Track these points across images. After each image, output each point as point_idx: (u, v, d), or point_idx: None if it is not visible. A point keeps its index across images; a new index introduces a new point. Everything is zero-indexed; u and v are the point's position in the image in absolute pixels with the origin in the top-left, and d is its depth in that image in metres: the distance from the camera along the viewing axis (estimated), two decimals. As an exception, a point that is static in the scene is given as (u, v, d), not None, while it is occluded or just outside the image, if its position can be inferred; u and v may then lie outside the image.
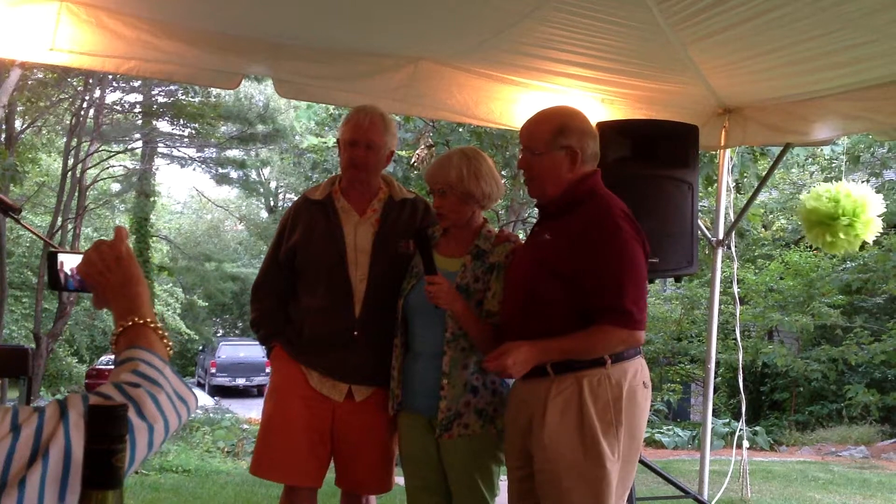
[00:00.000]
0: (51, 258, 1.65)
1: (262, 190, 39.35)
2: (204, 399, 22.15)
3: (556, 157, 2.93)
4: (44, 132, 19.72)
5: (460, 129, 12.26)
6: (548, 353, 2.85)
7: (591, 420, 2.80)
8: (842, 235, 4.98)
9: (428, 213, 3.50)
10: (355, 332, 3.30)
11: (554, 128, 2.95)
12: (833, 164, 16.07)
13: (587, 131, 2.97)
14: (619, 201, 2.94)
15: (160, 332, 1.42)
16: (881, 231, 5.23)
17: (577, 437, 2.81)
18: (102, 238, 1.55)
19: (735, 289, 6.06)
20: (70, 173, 18.47)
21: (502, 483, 3.24)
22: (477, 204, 3.21)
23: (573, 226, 2.89)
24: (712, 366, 5.47)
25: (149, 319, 1.42)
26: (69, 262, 1.63)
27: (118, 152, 23.13)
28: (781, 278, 16.13)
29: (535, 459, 2.91)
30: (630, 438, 2.88)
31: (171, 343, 1.43)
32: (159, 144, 25.91)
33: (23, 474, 1.11)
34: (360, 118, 3.37)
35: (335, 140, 4.08)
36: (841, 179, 5.22)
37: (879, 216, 5.10)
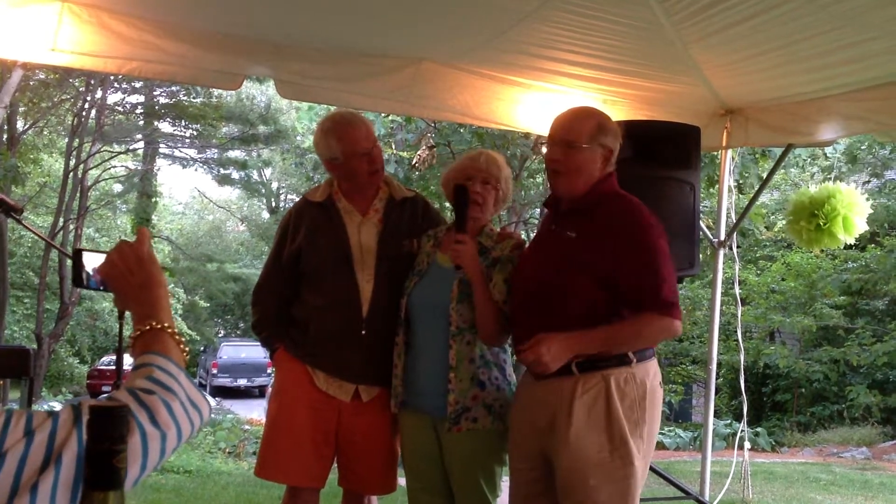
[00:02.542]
0: (76, 256, 1.66)
1: (263, 191, 39.40)
2: (205, 399, 22.17)
3: (595, 153, 2.95)
4: (45, 133, 19.77)
5: (462, 130, 12.26)
6: (585, 345, 2.82)
7: (618, 418, 2.80)
8: (814, 225, 5.03)
9: (428, 210, 3.52)
10: (363, 332, 3.29)
11: (596, 124, 2.98)
12: (834, 165, 16.09)
13: (619, 134, 3.01)
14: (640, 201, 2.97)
15: (177, 337, 1.42)
16: (881, 232, 5.27)
17: (605, 435, 2.80)
18: (125, 239, 1.55)
19: (737, 290, 6.06)
20: (72, 174, 18.52)
21: (504, 484, 3.23)
22: (497, 207, 3.29)
23: (601, 224, 2.89)
24: (714, 367, 5.46)
25: (167, 324, 1.42)
26: (91, 260, 1.64)
27: (120, 153, 23.17)
28: (783, 279, 16.16)
29: (560, 458, 2.87)
30: (650, 437, 2.89)
31: (187, 349, 1.44)
32: (161, 145, 25.97)
33: (35, 479, 1.11)
34: (346, 130, 3.33)
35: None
36: (841, 180, 5.26)
37: (869, 215, 5.11)
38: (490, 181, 3.20)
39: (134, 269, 1.48)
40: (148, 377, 1.29)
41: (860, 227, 5.10)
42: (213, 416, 15.31)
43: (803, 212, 5.11)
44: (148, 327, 1.41)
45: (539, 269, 3.03)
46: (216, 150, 27.60)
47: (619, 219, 2.89)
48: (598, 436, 2.81)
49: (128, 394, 1.25)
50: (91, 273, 1.64)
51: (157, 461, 1.23)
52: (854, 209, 5.03)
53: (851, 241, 5.19)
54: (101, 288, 1.56)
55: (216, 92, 21.01)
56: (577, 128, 2.98)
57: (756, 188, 7.86)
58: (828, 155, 15.91)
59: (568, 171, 2.99)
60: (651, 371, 2.91)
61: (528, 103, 4.75)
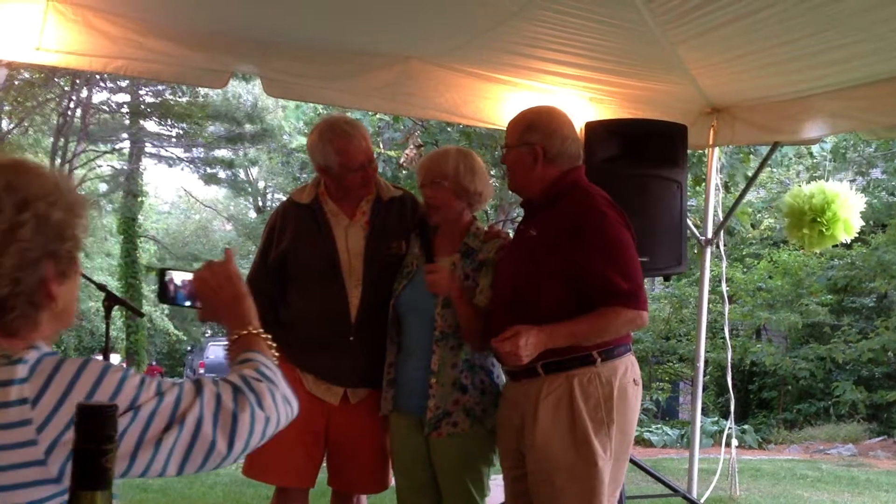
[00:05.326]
0: (161, 274, 1.83)
1: (250, 190, 39.22)
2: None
3: (519, 152, 3.01)
4: (31, 132, 19.65)
5: (449, 129, 12.25)
6: (555, 338, 2.80)
7: (582, 419, 2.81)
8: (817, 231, 5.05)
9: (417, 208, 3.47)
10: (351, 339, 3.26)
11: (522, 125, 3.04)
12: (820, 164, 16.16)
13: (554, 131, 2.99)
14: (602, 191, 2.96)
15: (268, 341, 1.62)
16: (866, 230, 5.31)
17: (569, 436, 2.82)
18: (212, 259, 1.77)
19: (724, 287, 6.07)
20: (57, 173, 18.37)
21: (493, 483, 3.23)
22: (468, 202, 3.22)
23: (557, 219, 2.91)
24: (701, 364, 5.48)
25: (260, 330, 1.63)
26: (178, 277, 1.81)
27: (105, 152, 23.09)
28: (770, 277, 16.20)
29: (528, 459, 2.92)
30: (621, 436, 2.89)
31: (276, 353, 1.63)
32: (147, 144, 25.86)
33: (159, 436, 1.30)
34: (343, 143, 3.24)
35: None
36: (826, 178, 5.29)
37: (860, 213, 5.15)
38: (437, 180, 3.17)
39: (224, 284, 1.69)
40: (255, 369, 1.48)
41: (857, 225, 5.17)
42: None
43: (804, 218, 5.12)
44: (245, 332, 1.61)
45: (510, 272, 3.05)
46: (202, 149, 27.53)
47: (574, 212, 2.89)
48: (562, 437, 2.83)
49: (240, 378, 1.44)
50: (180, 285, 1.82)
51: (258, 441, 1.41)
52: (852, 210, 5.09)
53: (850, 239, 5.26)
54: (189, 304, 1.72)
55: (202, 91, 20.95)
56: (509, 130, 3.09)
57: (743, 186, 7.89)
58: (813, 153, 15.96)
59: (508, 171, 3.11)
60: (620, 369, 2.89)
61: (515, 102, 4.74)
